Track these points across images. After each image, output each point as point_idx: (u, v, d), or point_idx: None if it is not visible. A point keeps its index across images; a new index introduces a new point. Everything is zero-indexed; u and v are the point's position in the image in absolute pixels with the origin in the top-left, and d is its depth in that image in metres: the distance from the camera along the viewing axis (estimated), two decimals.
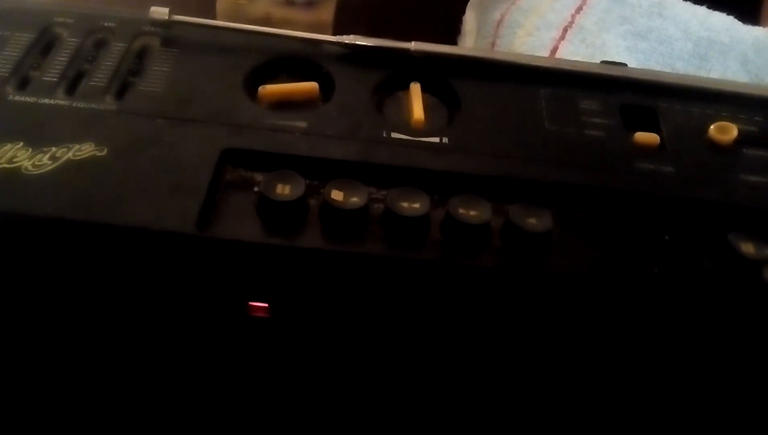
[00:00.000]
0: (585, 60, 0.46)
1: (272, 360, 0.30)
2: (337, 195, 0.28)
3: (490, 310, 0.28)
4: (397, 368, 0.30)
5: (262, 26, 0.34)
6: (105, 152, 0.28)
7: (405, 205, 0.28)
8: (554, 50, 0.49)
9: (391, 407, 0.32)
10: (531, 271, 0.27)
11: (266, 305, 0.28)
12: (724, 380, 0.30)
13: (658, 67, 0.48)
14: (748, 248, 0.28)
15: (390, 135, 0.31)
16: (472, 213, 0.28)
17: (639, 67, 0.36)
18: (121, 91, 0.31)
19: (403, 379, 0.31)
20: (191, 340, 0.29)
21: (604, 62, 0.35)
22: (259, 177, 0.29)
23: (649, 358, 0.30)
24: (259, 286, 0.28)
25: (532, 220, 0.28)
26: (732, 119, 0.33)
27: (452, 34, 0.58)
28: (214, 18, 0.59)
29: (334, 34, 0.34)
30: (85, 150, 0.28)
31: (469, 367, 0.30)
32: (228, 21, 0.35)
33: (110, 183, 0.27)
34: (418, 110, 0.32)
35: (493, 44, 0.52)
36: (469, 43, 0.56)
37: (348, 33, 0.34)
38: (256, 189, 0.28)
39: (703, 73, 0.48)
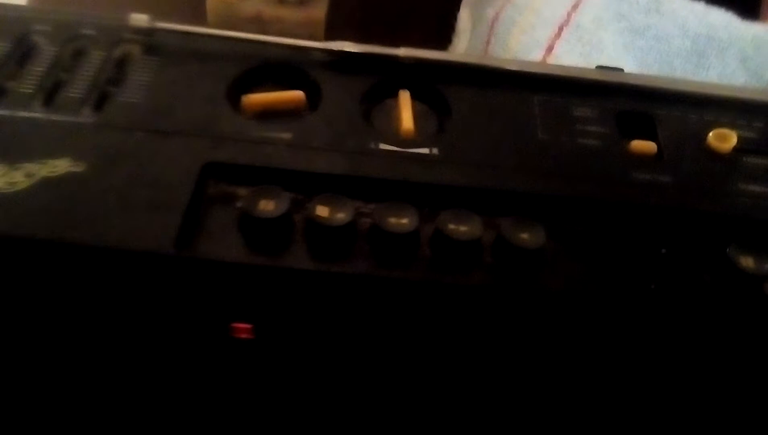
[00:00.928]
0: (582, 58, 0.46)
1: (257, 381, 0.29)
2: (322, 211, 0.27)
3: (482, 330, 0.27)
4: (386, 388, 0.29)
5: (254, 24, 0.33)
6: (82, 168, 0.27)
7: (393, 220, 0.27)
8: (550, 49, 0.48)
9: (379, 427, 0.31)
10: (524, 289, 0.27)
11: (250, 326, 0.27)
12: (724, 395, 0.29)
13: (655, 65, 0.47)
14: (747, 262, 0.27)
15: (378, 146, 0.30)
16: (462, 228, 0.27)
17: (635, 73, 0.35)
18: (100, 103, 0.30)
19: (392, 399, 0.30)
20: (173, 361, 0.29)
21: (599, 67, 0.34)
22: (242, 191, 0.28)
23: (647, 376, 0.29)
24: (243, 306, 0.27)
25: (525, 235, 0.27)
26: (731, 126, 0.32)
27: (447, 32, 0.57)
28: (204, 16, 0.58)
29: (327, 31, 0.33)
30: (61, 166, 0.27)
31: (460, 387, 0.29)
32: (218, 20, 0.34)
33: (87, 201, 0.26)
34: (407, 120, 0.31)
35: (487, 42, 0.51)
36: (464, 42, 0.54)
37: (341, 30, 0.33)
38: (238, 205, 0.27)
39: (701, 71, 0.47)
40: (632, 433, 0.30)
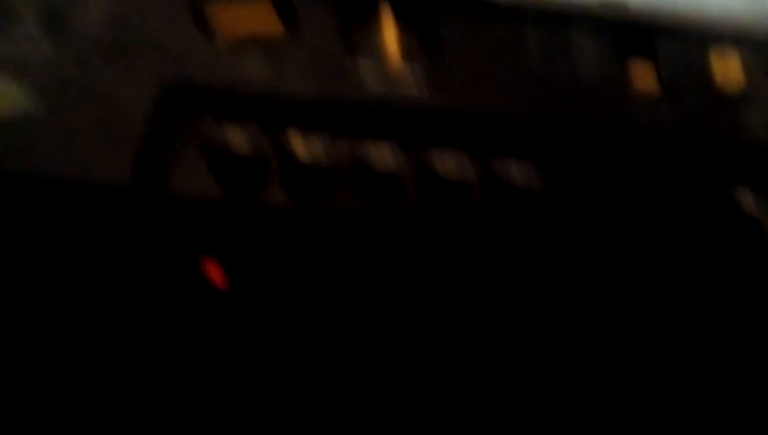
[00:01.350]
0: None
1: (234, 329, 0.27)
2: (297, 144, 0.24)
3: (472, 271, 0.26)
4: (370, 331, 0.28)
5: None
6: (32, 100, 0.24)
7: (374, 156, 0.25)
8: None
9: (363, 372, 0.30)
10: (515, 227, 0.25)
11: (222, 269, 0.25)
12: (721, 334, 0.28)
13: None
14: (750, 204, 0.26)
15: (359, 75, 0.27)
16: (450, 167, 0.25)
17: (638, 2, 0.32)
18: (51, 29, 0.27)
19: (376, 344, 0.29)
20: (143, 308, 0.27)
21: None
22: (208, 122, 0.25)
23: (644, 313, 0.28)
24: (213, 247, 0.25)
25: (515, 173, 0.25)
26: (736, 57, 0.30)
27: None
28: None
29: None
30: (9, 98, 0.24)
31: (449, 329, 0.28)
32: None
33: (41, 135, 0.24)
34: (392, 47, 0.28)
35: None
36: None
37: None
38: (205, 135, 0.25)
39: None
40: (627, 371, 0.30)
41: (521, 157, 0.25)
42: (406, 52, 0.28)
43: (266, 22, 0.28)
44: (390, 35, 0.28)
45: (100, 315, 0.27)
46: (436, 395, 0.30)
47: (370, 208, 0.24)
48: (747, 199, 0.26)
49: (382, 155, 0.25)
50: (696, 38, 0.30)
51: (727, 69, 0.29)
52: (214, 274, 0.25)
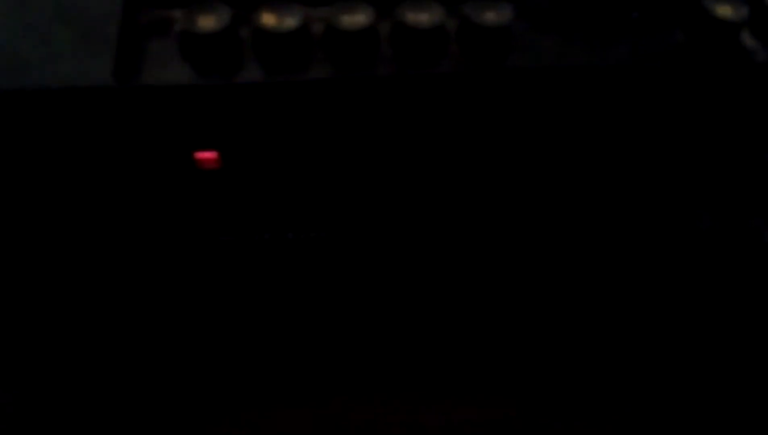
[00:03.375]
0: None
1: (228, 211, 0.28)
2: (269, 19, 0.24)
3: (455, 120, 0.26)
4: (363, 197, 0.28)
5: None
6: None
7: (347, 19, 0.24)
8: None
9: (358, 245, 0.30)
10: (494, 71, 0.25)
11: (214, 154, 0.25)
12: (705, 158, 0.29)
13: None
14: (724, 11, 0.26)
15: None
16: (423, 17, 0.25)
17: None
18: None
19: (370, 212, 0.29)
20: (141, 204, 0.27)
21: None
22: (177, 13, 0.25)
23: (628, 146, 0.28)
24: (201, 134, 0.25)
25: (491, 15, 0.25)
26: None
27: None
28: None
29: None
30: None
31: (439, 186, 0.28)
32: None
33: (8, 47, 0.24)
34: None
35: None
36: None
37: None
38: (176, 27, 0.25)
39: None
40: (614, 213, 0.30)
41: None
42: None
43: None
44: None
45: (98, 216, 0.27)
46: (427, 266, 0.31)
47: (347, 71, 0.24)
48: None
49: (356, 16, 0.24)
50: None
51: None
52: (204, 157, 0.26)
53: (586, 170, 0.29)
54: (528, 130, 0.27)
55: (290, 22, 0.24)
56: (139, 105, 0.24)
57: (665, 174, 0.29)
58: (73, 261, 0.29)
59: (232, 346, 0.32)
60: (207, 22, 0.24)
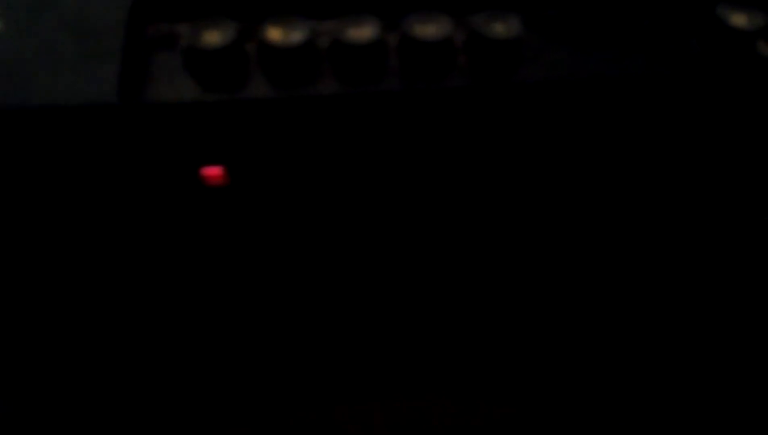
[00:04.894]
0: None
1: (236, 228, 0.28)
2: (275, 33, 0.24)
3: (465, 134, 0.26)
4: (370, 211, 0.28)
5: None
6: (0, 24, 0.24)
7: (353, 32, 0.24)
8: None
9: (364, 256, 0.30)
10: (504, 84, 0.25)
11: (221, 170, 0.25)
12: (720, 170, 0.28)
13: None
14: (739, 20, 0.25)
15: None
16: (430, 30, 0.24)
17: None
18: None
19: (377, 225, 0.29)
20: (147, 222, 0.27)
21: None
22: (183, 27, 0.25)
23: (641, 159, 0.27)
24: (207, 151, 0.25)
25: (499, 28, 0.25)
26: None
27: None
28: None
29: None
30: None
31: (446, 200, 0.28)
32: None
33: (12, 60, 0.24)
34: None
35: None
36: None
37: None
38: (182, 42, 0.25)
39: None
40: (626, 223, 0.30)
41: (502, 10, 0.25)
42: None
43: None
44: None
45: (102, 230, 0.27)
46: (435, 266, 0.31)
47: (354, 87, 0.24)
48: None
49: (362, 30, 0.24)
50: None
51: None
52: (211, 174, 0.25)
53: (601, 183, 0.28)
54: (541, 144, 0.26)
55: (296, 36, 0.24)
56: (143, 122, 0.24)
57: (682, 185, 0.28)
58: (79, 278, 0.28)
59: (236, 351, 0.32)
60: (212, 37, 0.24)
